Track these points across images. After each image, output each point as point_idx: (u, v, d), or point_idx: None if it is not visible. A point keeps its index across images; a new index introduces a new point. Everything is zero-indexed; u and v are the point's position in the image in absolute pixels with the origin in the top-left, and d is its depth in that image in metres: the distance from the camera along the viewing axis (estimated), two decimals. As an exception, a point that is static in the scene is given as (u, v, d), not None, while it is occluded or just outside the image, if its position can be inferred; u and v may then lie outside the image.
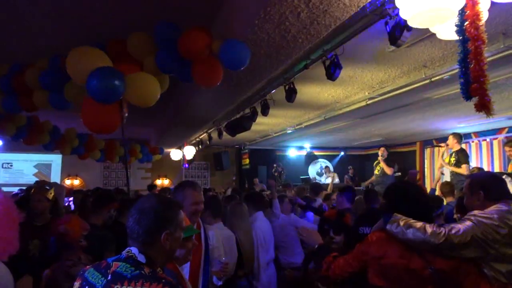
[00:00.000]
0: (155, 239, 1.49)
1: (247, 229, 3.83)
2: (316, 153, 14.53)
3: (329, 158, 14.63)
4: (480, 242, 2.00)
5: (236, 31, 3.45)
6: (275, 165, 13.07)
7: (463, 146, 7.58)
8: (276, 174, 12.67)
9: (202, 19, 3.60)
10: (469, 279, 2.05)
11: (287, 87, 5.05)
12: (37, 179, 12.26)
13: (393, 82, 5.56)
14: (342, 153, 14.40)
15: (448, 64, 4.64)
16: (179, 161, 12.58)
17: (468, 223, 2.07)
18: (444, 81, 4.95)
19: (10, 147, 10.08)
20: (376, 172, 8.94)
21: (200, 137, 10.38)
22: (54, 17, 3.86)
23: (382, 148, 8.74)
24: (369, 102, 6.27)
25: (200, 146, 11.02)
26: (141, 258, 1.46)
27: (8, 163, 12.65)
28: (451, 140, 6.67)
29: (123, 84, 3.32)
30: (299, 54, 3.81)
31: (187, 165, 12.35)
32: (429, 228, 2.01)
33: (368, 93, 6.17)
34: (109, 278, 1.41)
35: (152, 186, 10.79)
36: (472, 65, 2.14)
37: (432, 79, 4.92)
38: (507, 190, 2.30)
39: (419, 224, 2.05)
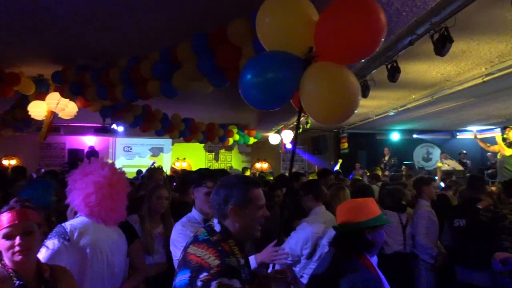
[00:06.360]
0: (225, 213, 1.66)
1: None
2: (422, 136, 13.51)
3: (437, 142, 13.48)
4: None
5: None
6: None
7: None
8: (381, 166, 11.72)
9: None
10: None
11: (389, 66, 4.76)
12: (152, 161, 13.69)
13: (517, 54, 4.88)
14: (456, 136, 13.10)
15: None
16: (278, 145, 12.82)
17: None
18: None
19: (129, 133, 11.37)
20: None
21: (298, 121, 10.39)
22: (162, 10, 4.18)
23: None
24: (486, 78, 5.60)
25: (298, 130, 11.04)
26: (217, 227, 1.66)
27: (128, 147, 14.33)
28: None
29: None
30: (403, 29, 3.56)
31: (288, 147, 12.35)
32: None
33: (485, 68, 5.50)
34: (192, 239, 1.68)
35: (245, 169, 11.33)
36: None
37: None
38: None
39: None
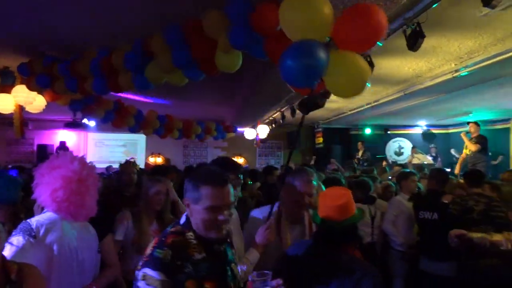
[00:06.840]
0: (186, 205, 1.64)
1: None
2: (394, 131, 13.81)
3: (409, 136, 13.82)
4: None
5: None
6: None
7: None
8: (355, 160, 11.94)
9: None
10: None
11: (363, 60, 4.82)
12: (126, 157, 13.41)
13: (484, 51, 5.02)
14: (425, 130, 13.46)
15: (554, 26, 4.06)
16: (253, 140, 12.82)
17: None
18: (549, 47, 4.36)
19: (102, 128, 11.07)
20: None
21: (274, 116, 10.43)
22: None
23: None
24: (455, 74, 5.77)
25: (273, 125, 11.09)
26: (182, 220, 1.66)
27: (100, 142, 13.96)
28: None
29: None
30: (377, 23, 3.58)
31: (258, 137, 12.43)
32: None
33: (455, 64, 5.66)
34: None
35: None
36: None
37: (534, 46, 4.36)
38: None
39: None
